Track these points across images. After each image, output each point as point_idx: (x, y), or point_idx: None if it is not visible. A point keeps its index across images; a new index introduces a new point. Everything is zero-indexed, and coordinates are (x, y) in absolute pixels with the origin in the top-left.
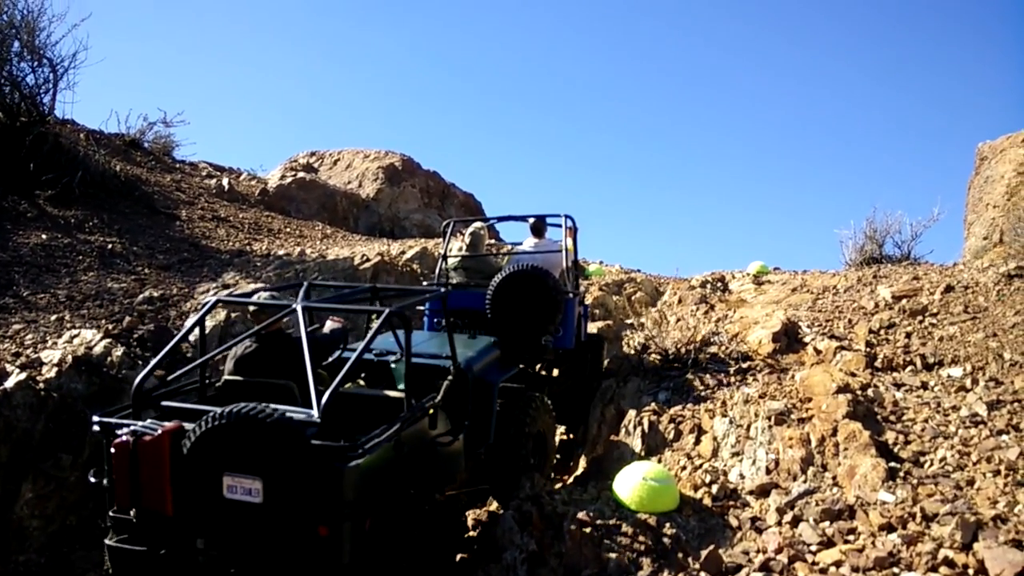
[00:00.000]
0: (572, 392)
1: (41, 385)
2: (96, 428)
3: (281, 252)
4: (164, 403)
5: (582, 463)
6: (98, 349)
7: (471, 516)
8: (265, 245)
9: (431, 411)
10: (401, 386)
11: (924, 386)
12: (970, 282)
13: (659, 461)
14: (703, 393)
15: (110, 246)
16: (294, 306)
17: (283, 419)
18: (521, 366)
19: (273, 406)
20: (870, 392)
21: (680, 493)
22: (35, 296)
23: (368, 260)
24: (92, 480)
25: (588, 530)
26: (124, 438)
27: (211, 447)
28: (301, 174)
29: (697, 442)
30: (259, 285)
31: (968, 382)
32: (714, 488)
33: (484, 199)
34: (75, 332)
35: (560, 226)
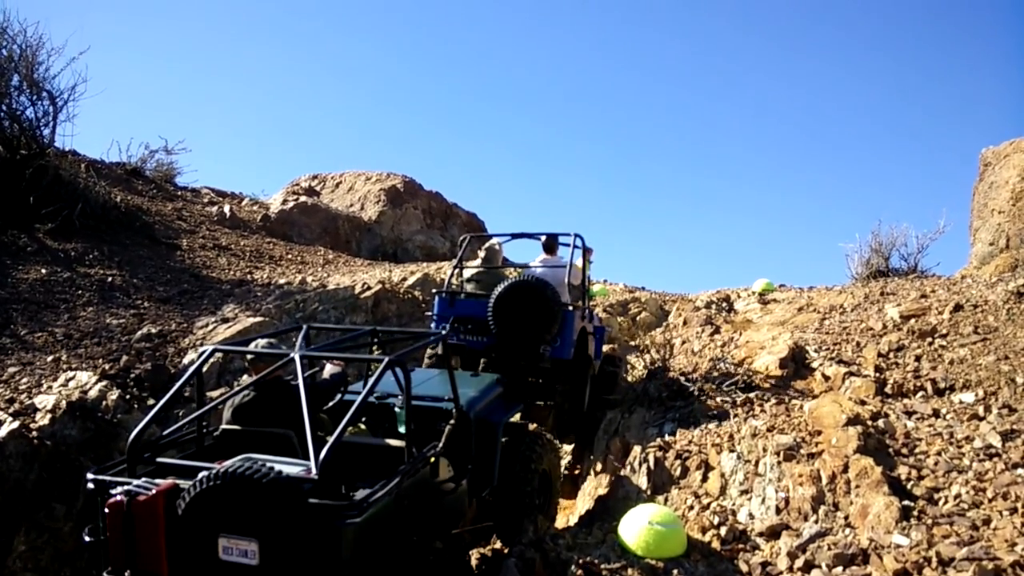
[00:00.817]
0: (575, 407)
1: (34, 433)
2: (91, 485)
3: (282, 281)
4: (159, 459)
5: (588, 500)
6: (93, 393)
7: (475, 555)
8: (266, 273)
9: (432, 459)
10: (402, 429)
11: (936, 414)
12: (979, 300)
13: (665, 500)
14: (710, 425)
15: (110, 279)
16: (292, 355)
17: (279, 478)
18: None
19: (270, 462)
20: (881, 423)
21: (687, 536)
22: (32, 335)
23: (369, 288)
24: (87, 539)
25: None
26: (118, 498)
27: (206, 508)
28: (303, 198)
29: (704, 479)
30: (258, 319)
31: (981, 409)
32: (723, 530)
33: (488, 218)
34: (70, 375)
35: (568, 245)
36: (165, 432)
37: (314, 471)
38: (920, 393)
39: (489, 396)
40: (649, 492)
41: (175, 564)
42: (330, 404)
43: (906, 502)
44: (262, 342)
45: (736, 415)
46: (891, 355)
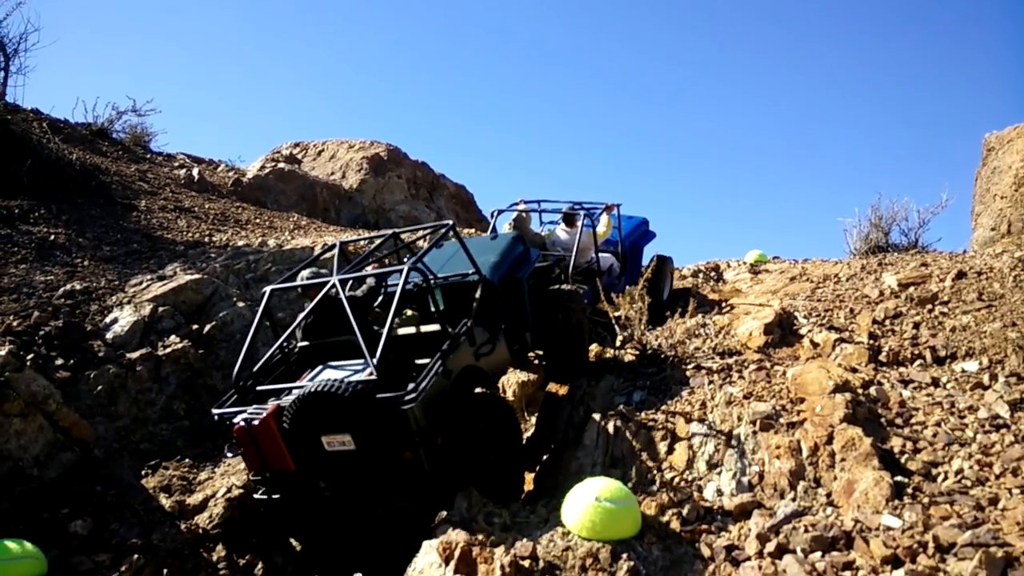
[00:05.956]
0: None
1: None
2: (216, 418)
3: (241, 243)
4: (258, 388)
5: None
6: None
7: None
8: (228, 236)
9: (466, 332)
10: (442, 306)
11: (935, 383)
12: (983, 268)
13: (623, 475)
14: (681, 393)
15: (52, 237)
16: (332, 280)
17: (350, 387)
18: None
19: (345, 368)
20: (873, 391)
21: (643, 516)
22: None
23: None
24: (229, 455)
25: (526, 565)
26: (240, 424)
27: (304, 419)
28: (281, 165)
29: (670, 451)
30: (196, 276)
31: (986, 378)
32: (685, 509)
33: (476, 190)
34: None
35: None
36: (255, 369)
37: (374, 373)
38: (918, 361)
39: (510, 257)
40: (606, 465)
41: (297, 459)
42: (375, 304)
43: (899, 478)
44: (305, 273)
45: (711, 382)
46: (887, 322)
